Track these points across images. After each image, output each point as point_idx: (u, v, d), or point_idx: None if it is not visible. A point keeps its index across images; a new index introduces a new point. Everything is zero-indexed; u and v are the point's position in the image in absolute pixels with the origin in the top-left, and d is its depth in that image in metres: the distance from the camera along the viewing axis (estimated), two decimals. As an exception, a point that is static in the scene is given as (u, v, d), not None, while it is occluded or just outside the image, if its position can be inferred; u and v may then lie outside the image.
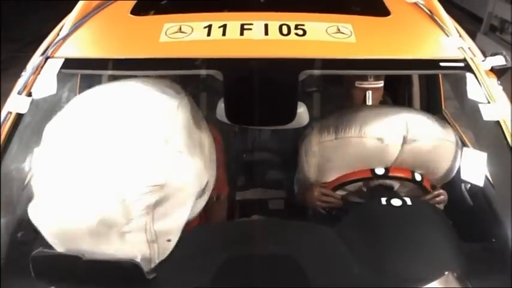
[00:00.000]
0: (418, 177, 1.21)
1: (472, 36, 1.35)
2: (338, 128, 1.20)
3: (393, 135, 1.17)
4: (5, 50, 4.36)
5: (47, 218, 0.87)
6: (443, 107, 1.86)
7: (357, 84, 1.38)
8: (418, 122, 1.21)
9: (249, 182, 1.56)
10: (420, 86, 1.86)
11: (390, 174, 1.19)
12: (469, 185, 1.42)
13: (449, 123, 1.60)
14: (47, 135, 0.93)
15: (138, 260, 0.85)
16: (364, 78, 1.37)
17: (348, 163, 1.22)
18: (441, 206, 1.24)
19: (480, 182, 1.15)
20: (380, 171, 1.19)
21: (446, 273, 0.91)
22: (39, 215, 0.88)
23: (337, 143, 1.20)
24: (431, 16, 1.28)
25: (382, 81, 1.41)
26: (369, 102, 1.38)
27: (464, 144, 1.41)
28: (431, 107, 1.84)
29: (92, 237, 0.84)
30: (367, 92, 1.38)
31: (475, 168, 1.13)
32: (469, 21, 5.11)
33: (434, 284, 0.90)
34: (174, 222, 0.89)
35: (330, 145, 1.21)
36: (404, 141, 1.16)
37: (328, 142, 1.21)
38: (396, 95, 1.89)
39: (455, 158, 1.24)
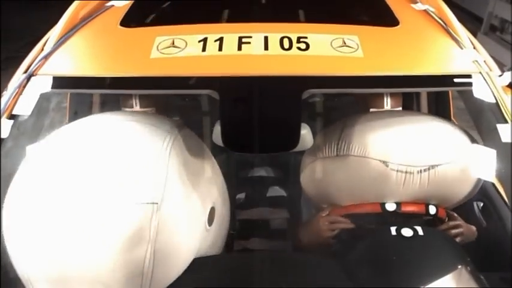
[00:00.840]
0: (432, 211, 1.10)
1: (472, 36, 1.27)
2: (340, 143, 1.08)
3: (402, 159, 1.03)
4: (4, 50, 4.29)
5: (35, 263, 0.78)
6: (451, 115, 1.78)
7: (372, 112, 1.24)
8: (441, 140, 1.06)
9: (249, 201, 1.48)
10: (428, 93, 1.77)
11: (402, 210, 1.08)
12: (482, 204, 1.34)
13: None
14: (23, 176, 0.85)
15: None
16: (379, 103, 1.24)
17: (351, 187, 1.10)
18: (458, 239, 1.14)
19: (490, 178, 1.08)
20: (391, 206, 1.08)
21: (459, 267, 0.86)
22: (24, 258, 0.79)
23: (339, 161, 1.08)
24: (443, 25, 1.19)
25: (400, 107, 1.27)
26: None
27: None
28: (440, 114, 1.76)
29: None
30: None
31: (484, 164, 1.05)
32: (469, 21, 5.05)
33: (448, 279, 0.85)
34: (173, 257, 0.82)
35: (331, 163, 1.09)
36: (418, 167, 1.03)
37: (328, 159, 1.10)
38: (403, 100, 1.80)
39: (479, 181, 1.11)
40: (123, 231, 0.75)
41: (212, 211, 0.92)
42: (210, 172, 0.98)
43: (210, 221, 0.92)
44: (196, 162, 0.94)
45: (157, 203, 0.77)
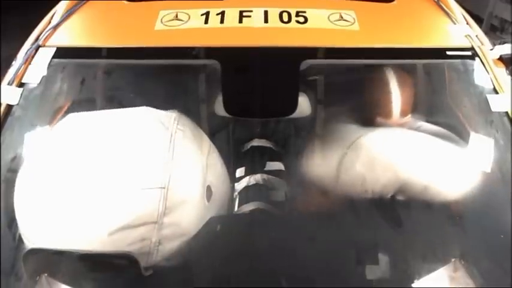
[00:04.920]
0: None
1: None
2: (344, 166, 1.04)
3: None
4: (5, 49, 4.33)
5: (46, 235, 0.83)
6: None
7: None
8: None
9: (248, 170, 1.49)
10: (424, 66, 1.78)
11: None
12: None
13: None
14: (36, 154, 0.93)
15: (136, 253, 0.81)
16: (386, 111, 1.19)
17: None
18: None
19: (488, 169, 1.08)
20: None
21: (453, 259, 0.89)
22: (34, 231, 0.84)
23: (339, 185, 1.04)
24: (437, 2, 1.23)
25: (409, 115, 1.23)
26: None
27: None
28: (436, 90, 1.78)
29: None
30: None
31: (482, 155, 1.06)
32: (470, 21, 5.05)
33: (442, 270, 0.88)
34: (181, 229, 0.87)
35: (330, 181, 1.06)
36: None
37: (328, 177, 1.06)
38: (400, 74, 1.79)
39: None
40: (132, 213, 0.81)
41: (209, 189, 0.97)
42: (208, 153, 1.03)
43: (208, 197, 0.97)
44: (196, 145, 1.00)
45: (164, 187, 0.84)
